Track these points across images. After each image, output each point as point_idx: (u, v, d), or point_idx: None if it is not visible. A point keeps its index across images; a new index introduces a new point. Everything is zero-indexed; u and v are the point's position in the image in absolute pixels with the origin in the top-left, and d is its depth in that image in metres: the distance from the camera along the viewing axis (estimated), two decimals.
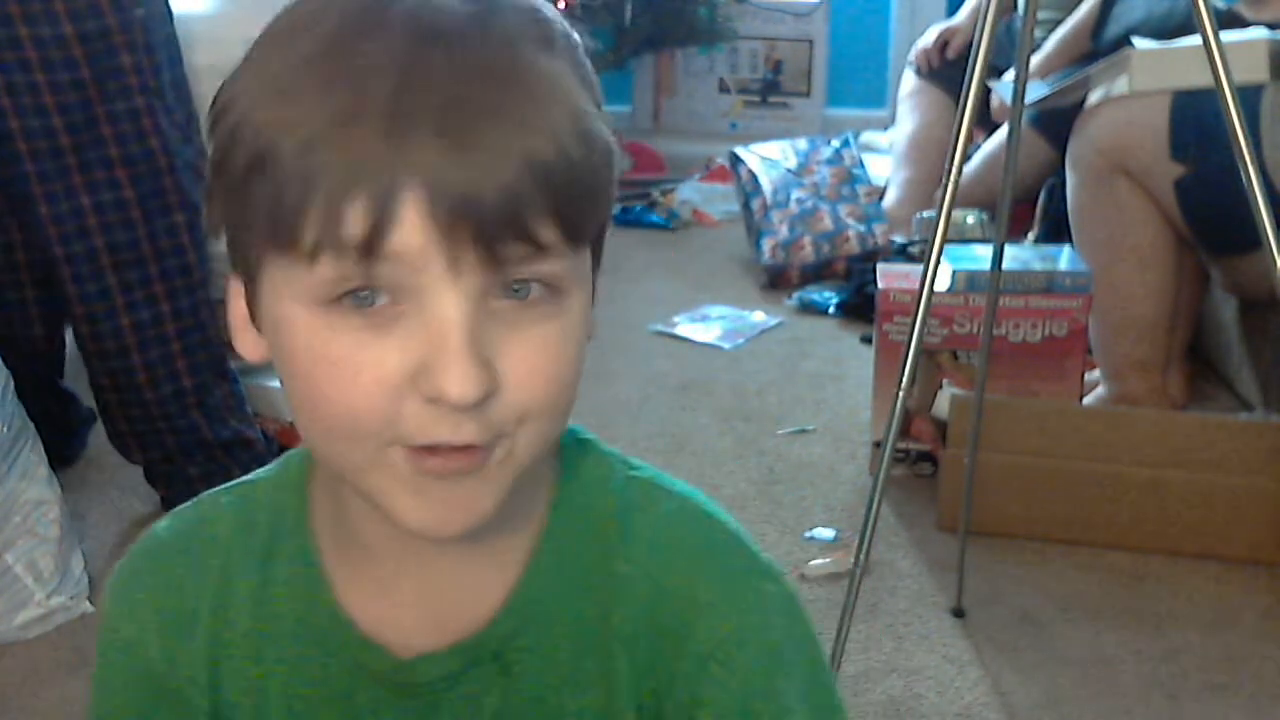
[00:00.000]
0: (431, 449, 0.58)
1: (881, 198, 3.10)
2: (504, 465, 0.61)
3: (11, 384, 1.70)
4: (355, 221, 0.54)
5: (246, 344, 0.64)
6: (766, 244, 2.96)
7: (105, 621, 0.74)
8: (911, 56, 3.31)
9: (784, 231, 2.96)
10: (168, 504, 1.94)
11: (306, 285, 0.57)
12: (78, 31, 1.70)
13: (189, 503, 0.74)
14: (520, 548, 0.68)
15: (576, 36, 0.63)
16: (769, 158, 3.14)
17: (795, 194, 3.03)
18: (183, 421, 1.88)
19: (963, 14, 3.24)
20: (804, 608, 0.70)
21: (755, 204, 3.04)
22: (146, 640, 0.72)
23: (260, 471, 0.73)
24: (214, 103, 0.60)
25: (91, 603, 1.73)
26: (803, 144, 3.21)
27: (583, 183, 0.58)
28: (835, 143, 3.19)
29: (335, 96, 0.55)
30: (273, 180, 0.56)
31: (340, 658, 0.69)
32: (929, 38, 3.25)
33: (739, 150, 3.19)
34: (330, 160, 0.54)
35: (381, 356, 0.57)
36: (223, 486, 0.74)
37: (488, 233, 0.55)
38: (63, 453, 2.02)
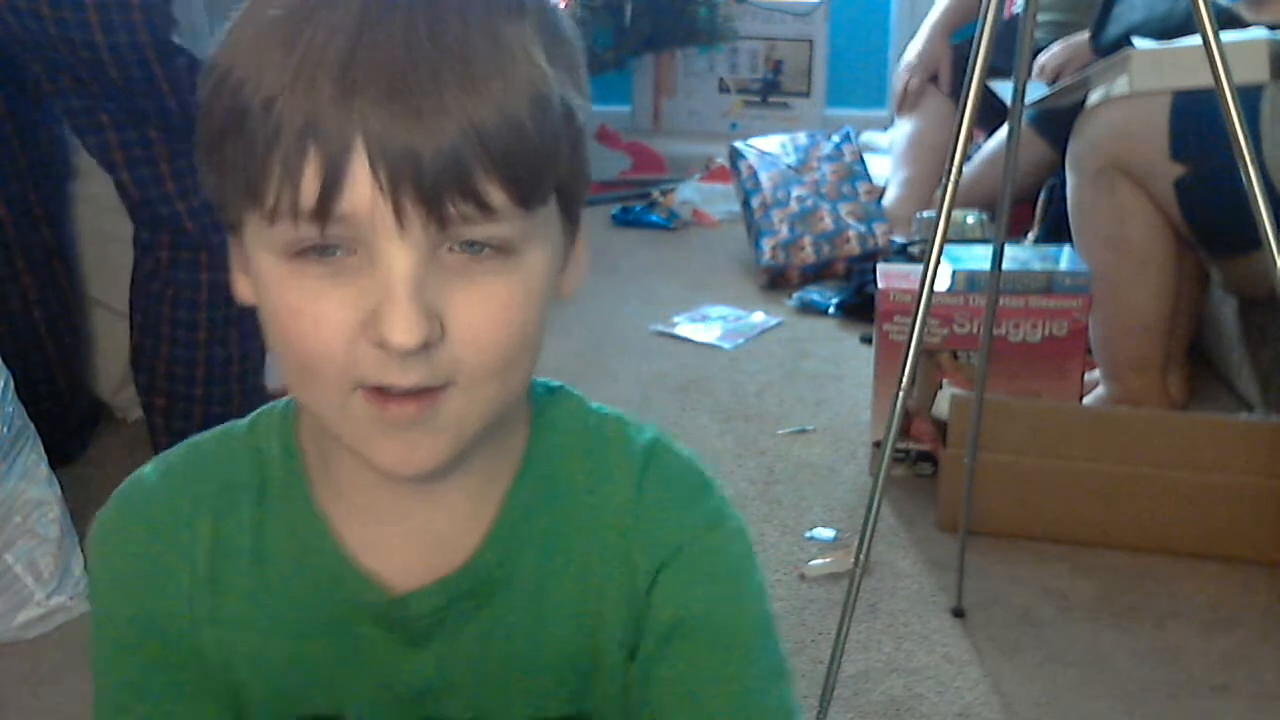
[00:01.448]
0: (386, 393, 0.62)
1: (881, 197, 3.10)
2: (461, 417, 0.64)
3: (11, 384, 1.70)
4: (309, 185, 0.58)
5: (242, 288, 0.68)
6: (766, 244, 2.96)
7: (96, 567, 0.75)
8: (897, 102, 3.28)
9: (784, 232, 2.96)
10: None
11: (271, 240, 0.61)
12: (123, 76, 1.70)
13: (173, 449, 0.77)
14: (498, 488, 0.72)
15: (552, 1, 0.66)
16: (769, 153, 3.14)
17: (795, 191, 3.02)
18: (217, 409, 1.89)
19: (919, 44, 3.22)
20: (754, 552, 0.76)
21: (755, 202, 3.04)
22: (142, 582, 0.73)
23: (237, 421, 0.76)
24: (207, 63, 0.64)
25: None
26: (802, 138, 3.21)
27: (533, 148, 0.60)
28: (835, 138, 3.19)
29: (294, 57, 0.58)
30: (242, 139, 0.59)
31: (336, 594, 0.72)
32: (906, 81, 3.22)
33: (738, 145, 3.19)
34: (287, 120, 0.58)
35: (338, 305, 0.61)
36: (202, 434, 0.76)
37: (431, 192, 0.58)
38: (63, 453, 2.02)
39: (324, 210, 0.58)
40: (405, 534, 0.72)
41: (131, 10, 1.64)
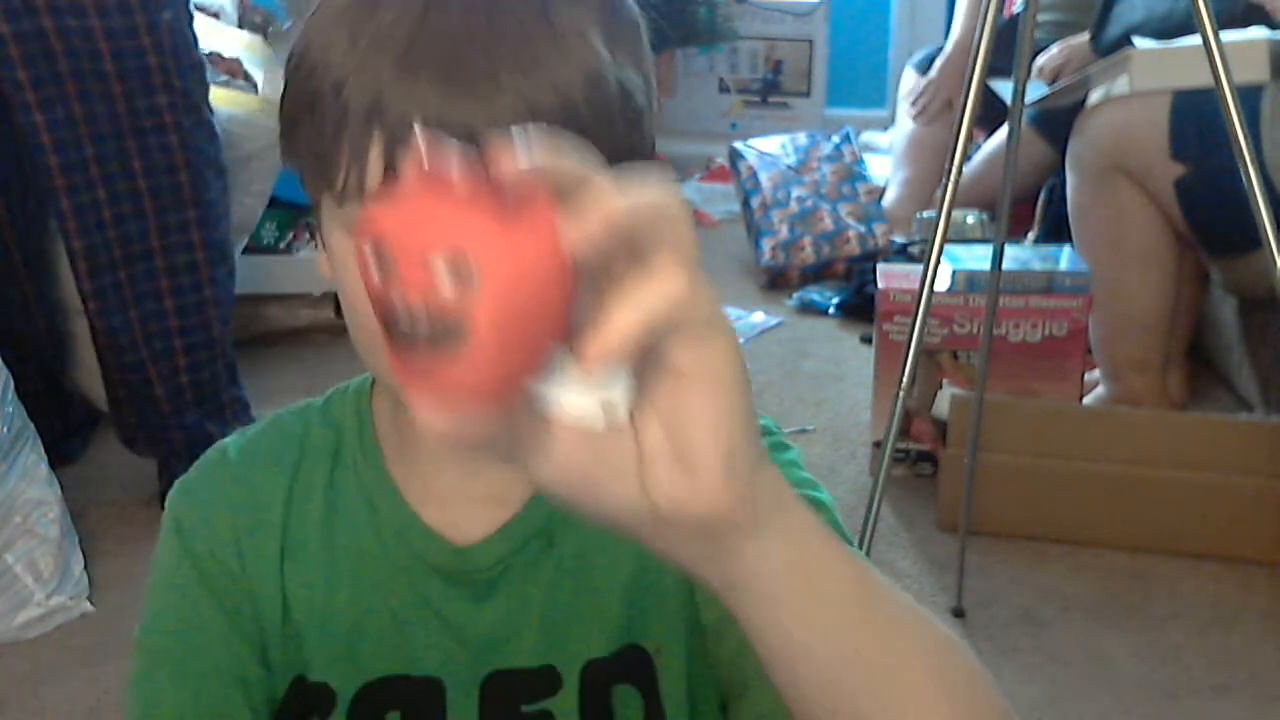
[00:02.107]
0: None
1: (881, 197, 3.10)
2: None
3: (11, 384, 1.70)
4: (374, 166, 0.60)
5: (323, 266, 0.70)
6: (766, 244, 2.96)
7: (170, 523, 0.76)
8: (913, 113, 3.22)
9: (784, 232, 2.96)
10: None
11: (343, 219, 0.63)
12: (104, 27, 1.71)
13: (255, 424, 0.79)
14: None
15: None
16: (768, 153, 3.14)
17: (795, 192, 3.02)
18: (189, 418, 1.89)
19: (945, 61, 3.16)
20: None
21: (755, 202, 3.04)
22: (222, 548, 0.74)
23: (321, 397, 0.78)
24: (297, 33, 0.66)
25: (91, 602, 1.73)
26: (802, 139, 3.21)
27: (587, 125, 0.60)
28: (835, 138, 3.19)
29: (361, 41, 0.61)
30: (313, 122, 0.62)
31: (403, 550, 0.73)
32: (932, 97, 3.16)
33: (738, 145, 3.18)
34: (353, 102, 0.60)
35: None
36: (286, 409, 0.78)
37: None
38: (63, 453, 2.02)
39: (388, 179, 0.60)
40: (469, 490, 0.73)
41: None
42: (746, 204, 3.09)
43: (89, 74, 1.72)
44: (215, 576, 0.74)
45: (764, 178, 3.06)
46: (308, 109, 0.63)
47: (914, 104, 3.19)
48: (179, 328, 1.86)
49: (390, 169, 0.60)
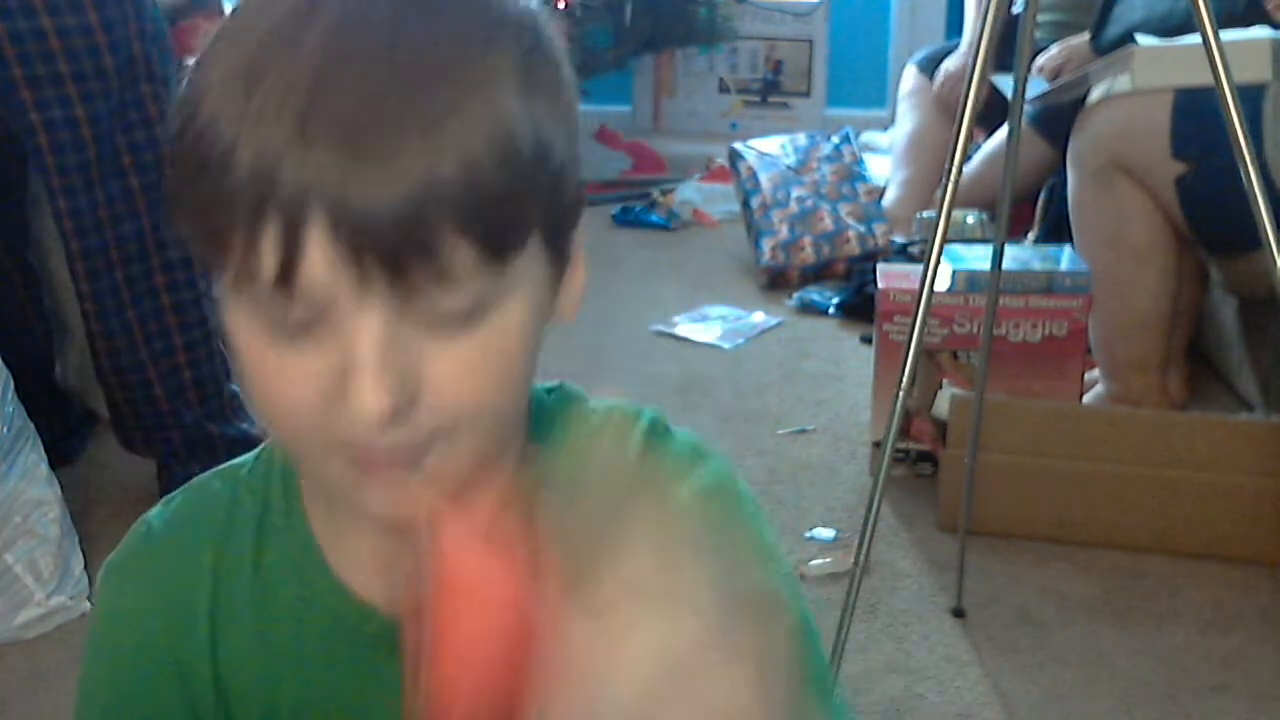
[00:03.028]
0: (367, 452, 0.59)
1: (881, 197, 3.10)
2: (448, 462, 0.61)
3: (11, 384, 1.70)
4: (268, 256, 0.55)
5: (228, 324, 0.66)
6: (766, 244, 2.96)
7: (101, 611, 0.74)
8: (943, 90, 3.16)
9: (784, 232, 2.96)
10: None
11: (239, 303, 0.59)
12: (101, 20, 1.69)
13: (179, 490, 0.75)
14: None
15: (538, 22, 0.61)
16: (768, 154, 3.14)
17: (795, 192, 3.02)
18: (188, 417, 1.88)
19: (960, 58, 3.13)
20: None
21: (755, 202, 3.04)
22: (149, 628, 0.72)
23: (247, 455, 0.74)
24: (181, 91, 0.60)
25: (91, 602, 1.72)
26: (802, 139, 3.21)
27: (501, 201, 0.56)
28: (835, 139, 3.19)
29: (252, 106, 0.55)
30: (203, 190, 0.56)
31: (339, 624, 0.70)
32: (951, 89, 3.10)
33: (738, 146, 3.19)
34: (245, 174, 0.54)
35: (305, 370, 0.58)
36: (211, 471, 0.75)
37: (392, 259, 0.55)
38: (63, 453, 2.02)
39: (283, 281, 0.55)
40: (402, 554, 0.68)
41: None
42: (746, 204, 3.09)
43: (90, 72, 1.71)
44: (141, 666, 0.72)
45: (764, 178, 3.06)
46: (194, 173, 0.56)
47: (939, 94, 3.15)
48: (177, 324, 1.85)
49: (285, 257, 0.54)
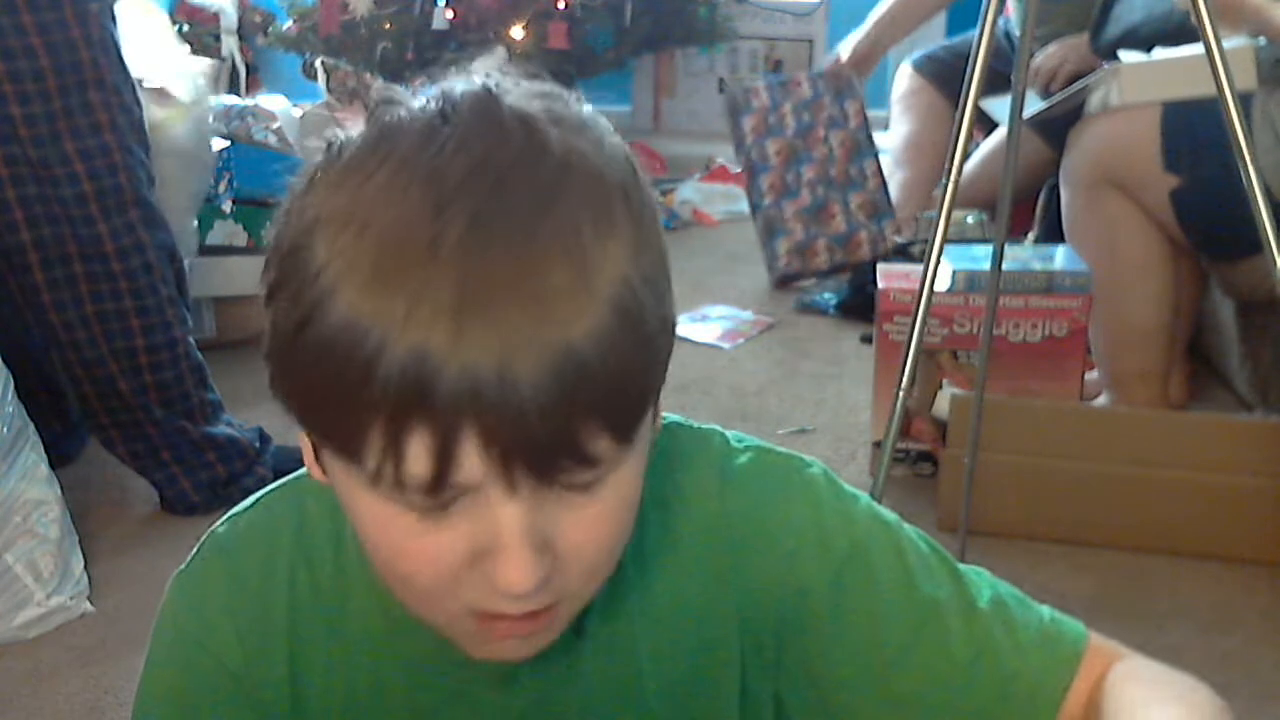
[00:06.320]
0: (497, 615, 0.61)
1: (885, 186, 3.08)
2: (569, 616, 0.65)
3: (11, 384, 1.70)
4: (418, 462, 0.55)
5: (317, 474, 0.64)
6: (781, 247, 2.95)
7: (170, 623, 0.73)
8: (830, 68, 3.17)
9: (799, 233, 2.95)
10: (165, 503, 1.94)
11: (367, 486, 0.58)
12: (36, 21, 1.69)
13: (244, 504, 0.75)
14: None
15: (636, 172, 0.61)
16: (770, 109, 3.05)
17: (805, 174, 3.00)
18: (159, 414, 1.88)
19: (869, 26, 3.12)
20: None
21: (764, 182, 2.99)
22: (223, 643, 0.72)
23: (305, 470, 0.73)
24: (286, 231, 0.58)
25: (91, 602, 1.73)
26: (806, 90, 3.08)
27: (639, 394, 0.58)
28: (832, 94, 3.09)
29: (398, 306, 0.53)
30: (343, 394, 0.54)
31: (422, 643, 0.70)
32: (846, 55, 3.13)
33: (735, 93, 3.07)
34: (393, 384, 0.53)
35: (441, 545, 0.59)
36: (275, 484, 0.75)
37: (542, 463, 0.56)
38: (63, 453, 2.02)
39: (436, 486, 0.55)
40: None
41: None
42: (754, 177, 3.00)
43: (25, 73, 1.70)
44: (211, 682, 0.72)
45: (770, 149, 3.02)
46: (330, 372, 0.54)
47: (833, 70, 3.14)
48: (140, 327, 1.84)
49: (441, 466, 0.54)
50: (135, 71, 1.92)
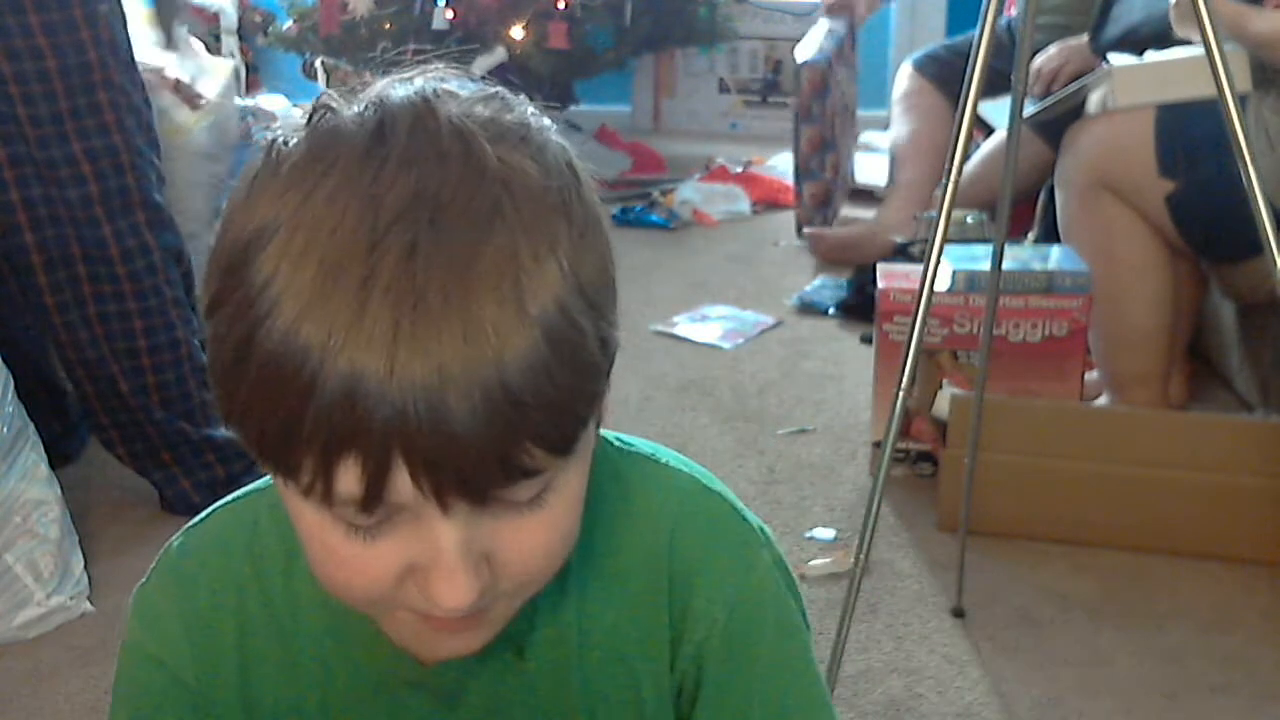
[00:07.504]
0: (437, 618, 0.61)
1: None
2: (510, 610, 0.65)
3: (11, 384, 1.70)
4: (350, 484, 0.55)
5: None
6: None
7: (131, 639, 0.74)
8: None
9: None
10: (165, 503, 1.94)
11: (301, 499, 0.58)
12: (43, 22, 1.69)
13: (200, 517, 0.75)
14: None
15: (579, 180, 0.61)
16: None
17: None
18: (159, 415, 1.88)
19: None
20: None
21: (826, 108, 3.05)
22: (177, 657, 0.72)
23: (266, 481, 0.73)
24: (225, 243, 0.57)
25: (91, 602, 1.73)
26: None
27: (577, 414, 0.57)
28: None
29: (338, 325, 0.53)
30: (282, 410, 0.54)
31: (370, 663, 0.71)
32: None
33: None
34: (329, 406, 0.53)
35: (377, 557, 0.59)
36: (230, 497, 0.75)
37: (476, 487, 0.56)
38: (63, 453, 2.02)
39: (367, 502, 0.56)
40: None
41: None
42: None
43: (30, 74, 1.70)
44: (162, 693, 0.72)
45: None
46: (269, 386, 0.54)
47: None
48: (143, 329, 1.84)
49: (373, 488, 0.54)
50: (156, 62, 1.91)
